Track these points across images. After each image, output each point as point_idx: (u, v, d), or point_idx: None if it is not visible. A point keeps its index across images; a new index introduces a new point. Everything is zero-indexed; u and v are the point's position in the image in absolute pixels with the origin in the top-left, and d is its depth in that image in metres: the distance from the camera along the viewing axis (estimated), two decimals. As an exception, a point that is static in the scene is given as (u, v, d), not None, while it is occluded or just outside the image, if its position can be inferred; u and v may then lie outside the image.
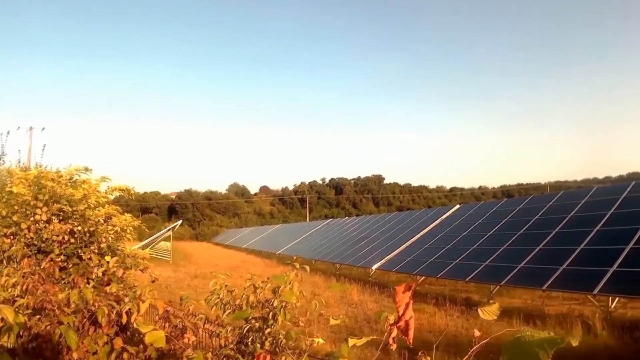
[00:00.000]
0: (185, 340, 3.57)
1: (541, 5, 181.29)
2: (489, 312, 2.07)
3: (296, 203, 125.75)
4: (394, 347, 2.19)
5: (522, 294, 16.82)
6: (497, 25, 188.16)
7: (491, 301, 15.48)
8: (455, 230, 22.46)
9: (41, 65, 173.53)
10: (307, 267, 4.49)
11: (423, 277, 20.06)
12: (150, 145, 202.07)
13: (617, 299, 12.84)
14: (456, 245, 20.41)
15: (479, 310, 2.12)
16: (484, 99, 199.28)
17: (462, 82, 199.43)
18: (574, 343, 1.39)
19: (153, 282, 6.70)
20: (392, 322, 2.13)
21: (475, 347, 2.08)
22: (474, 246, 19.12)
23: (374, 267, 23.05)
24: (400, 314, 2.05)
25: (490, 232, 19.82)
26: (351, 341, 2.43)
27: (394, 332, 2.10)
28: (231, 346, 4.01)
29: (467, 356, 2.09)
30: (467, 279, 16.62)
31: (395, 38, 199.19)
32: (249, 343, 3.91)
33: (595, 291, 12.02)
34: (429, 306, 15.20)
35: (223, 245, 68.05)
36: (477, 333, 2.21)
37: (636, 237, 13.31)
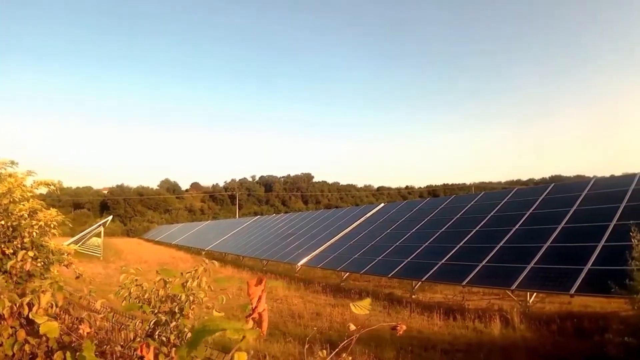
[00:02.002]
0: (80, 331, 3.46)
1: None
2: (360, 307, 2.27)
3: (226, 200, 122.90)
4: (250, 338, 2.05)
5: (444, 289, 16.61)
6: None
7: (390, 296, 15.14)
8: (380, 228, 22.13)
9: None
10: (216, 262, 4.33)
11: (348, 273, 19.59)
12: (83, 139, 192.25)
13: (535, 293, 12.72)
14: (380, 242, 20.06)
15: (351, 305, 2.29)
16: (414, 99, 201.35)
17: (389, 83, 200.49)
18: (235, 336, 1.61)
19: (77, 278, 6.33)
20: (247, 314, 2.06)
21: (348, 340, 2.31)
22: (397, 243, 18.83)
23: (300, 263, 22.42)
24: (253, 306, 2.01)
25: (414, 230, 19.60)
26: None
27: (250, 324, 2.02)
28: (138, 339, 3.82)
29: (340, 346, 2.34)
30: (390, 275, 16.30)
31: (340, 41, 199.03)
32: (157, 336, 3.76)
33: (514, 286, 11.93)
34: (353, 301, 14.67)
35: (154, 241, 65.50)
36: (352, 327, 2.39)
37: (553, 236, 13.38)
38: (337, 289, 18.05)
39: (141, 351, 2.26)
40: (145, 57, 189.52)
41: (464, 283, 13.37)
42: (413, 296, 15.51)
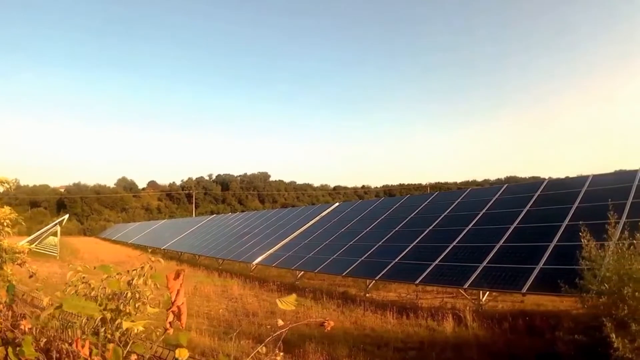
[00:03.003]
0: (21, 327, 3.45)
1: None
2: (287, 303, 2.37)
3: (183, 199, 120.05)
4: (171, 331, 2.18)
5: (398, 288, 16.35)
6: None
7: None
8: (334, 227, 21.75)
9: None
10: (162, 260, 4.46)
11: (302, 272, 19.13)
12: (41, 136, 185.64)
13: (487, 292, 12.60)
14: (334, 241, 19.67)
15: (277, 301, 2.40)
16: (370, 100, 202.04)
17: (344, 84, 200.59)
18: (78, 311, 1.86)
19: (31, 277, 6.33)
20: (168, 307, 2.06)
21: (276, 334, 2.47)
22: (351, 242, 18.49)
23: (255, 262, 21.79)
24: (172, 299, 1.99)
25: (368, 229, 19.30)
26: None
27: (170, 317, 2.07)
28: (84, 337, 3.54)
29: (266, 340, 2.54)
30: (344, 274, 15.94)
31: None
32: (103, 333, 3.74)
33: (466, 285, 11.72)
34: (307, 300, 14.46)
35: (110, 240, 63.46)
36: (280, 323, 2.47)
37: (506, 235, 13.29)
38: (292, 287, 17.59)
39: (76, 346, 2.27)
40: (102, 54, 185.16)
41: (417, 282, 13.10)
42: (367, 295, 15.18)
